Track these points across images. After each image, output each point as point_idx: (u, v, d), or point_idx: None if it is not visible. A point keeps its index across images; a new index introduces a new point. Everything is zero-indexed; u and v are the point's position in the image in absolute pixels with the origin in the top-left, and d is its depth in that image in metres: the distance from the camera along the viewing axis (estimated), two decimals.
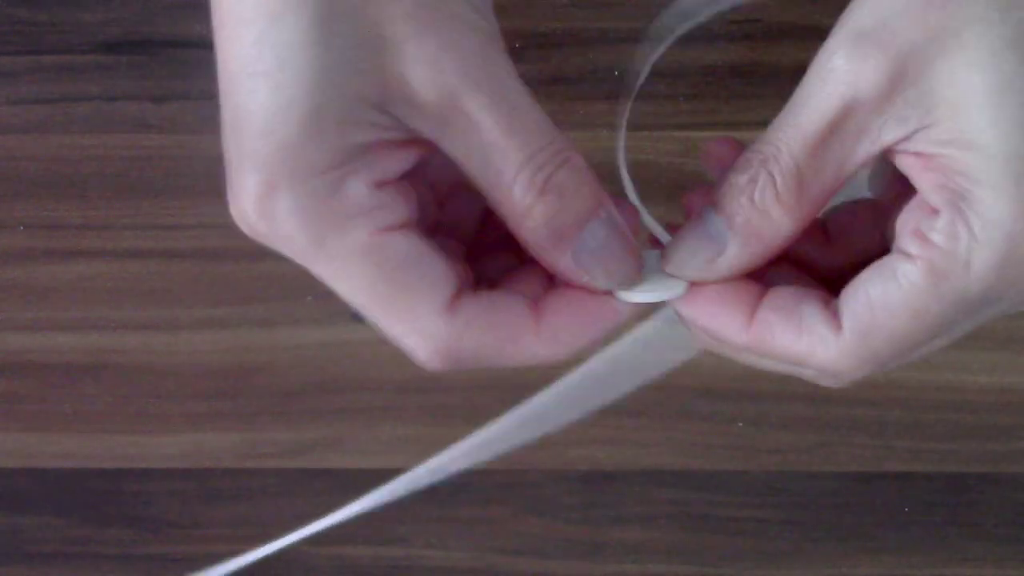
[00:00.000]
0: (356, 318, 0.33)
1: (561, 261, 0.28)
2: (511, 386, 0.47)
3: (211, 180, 0.48)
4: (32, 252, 0.47)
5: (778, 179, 0.28)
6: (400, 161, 0.27)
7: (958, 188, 0.26)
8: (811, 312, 0.28)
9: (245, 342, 0.47)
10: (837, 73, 0.27)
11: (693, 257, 0.29)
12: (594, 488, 0.47)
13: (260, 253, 0.47)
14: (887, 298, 0.27)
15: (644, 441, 0.46)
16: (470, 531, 0.47)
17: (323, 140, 0.26)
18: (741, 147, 0.30)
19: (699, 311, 0.30)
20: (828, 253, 0.31)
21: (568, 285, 0.29)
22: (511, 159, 0.27)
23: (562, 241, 0.28)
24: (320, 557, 0.47)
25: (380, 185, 0.27)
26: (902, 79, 0.26)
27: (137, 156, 0.47)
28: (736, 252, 0.29)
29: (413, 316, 0.28)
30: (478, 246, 0.32)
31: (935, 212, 0.27)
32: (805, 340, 0.28)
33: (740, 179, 0.28)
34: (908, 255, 0.27)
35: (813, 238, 0.31)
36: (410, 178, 0.29)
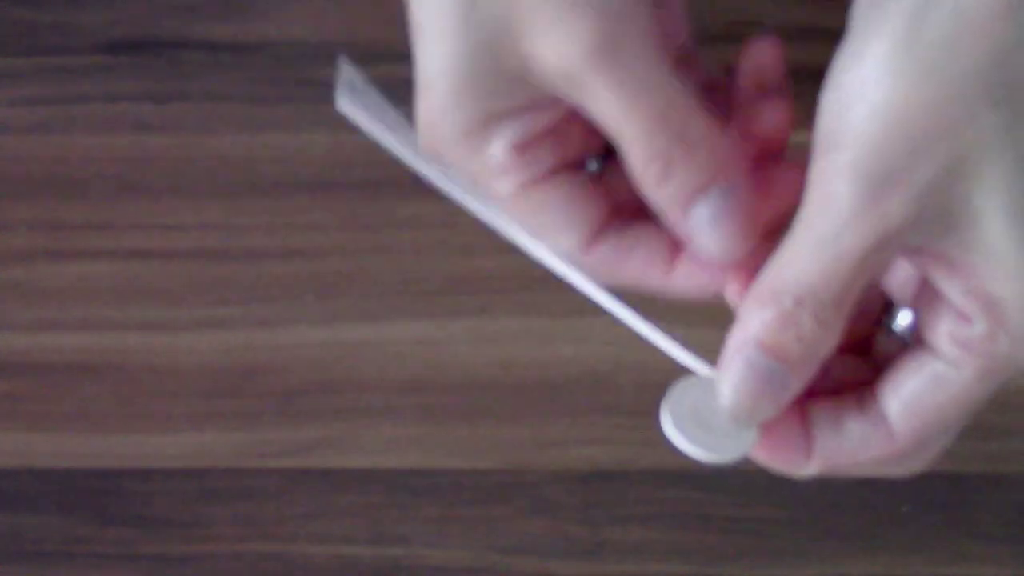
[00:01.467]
0: None
1: (676, 227, 0.31)
2: (511, 386, 0.47)
3: (212, 180, 0.49)
4: (33, 252, 0.47)
5: (823, 316, 0.29)
6: (546, 117, 0.31)
7: (989, 294, 0.28)
8: (855, 426, 0.31)
9: (245, 342, 0.47)
10: (861, 220, 0.27)
11: (759, 403, 0.30)
12: (594, 488, 0.47)
13: (261, 253, 0.48)
14: (935, 399, 0.30)
15: (644, 441, 0.46)
16: (470, 531, 0.47)
17: (466, 107, 0.30)
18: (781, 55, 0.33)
19: (769, 457, 0.32)
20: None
21: None
22: (626, 132, 0.30)
23: (671, 210, 0.31)
24: (320, 557, 0.47)
25: (525, 143, 0.31)
26: (923, 209, 0.27)
27: (138, 157, 0.47)
28: (797, 384, 0.30)
29: (555, 247, 0.32)
30: None
31: (967, 318, 0.28)
32: (863, 455, 0.31)
33: (778, 318, 0.29)
34: (955, 364, 0.29)
35: None
36: (565, 122, 0.31)
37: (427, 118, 0.31)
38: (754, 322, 0.29)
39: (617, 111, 0.29)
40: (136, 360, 0.47)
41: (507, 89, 0.30)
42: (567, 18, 0.29)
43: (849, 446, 0.31)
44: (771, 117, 0.32)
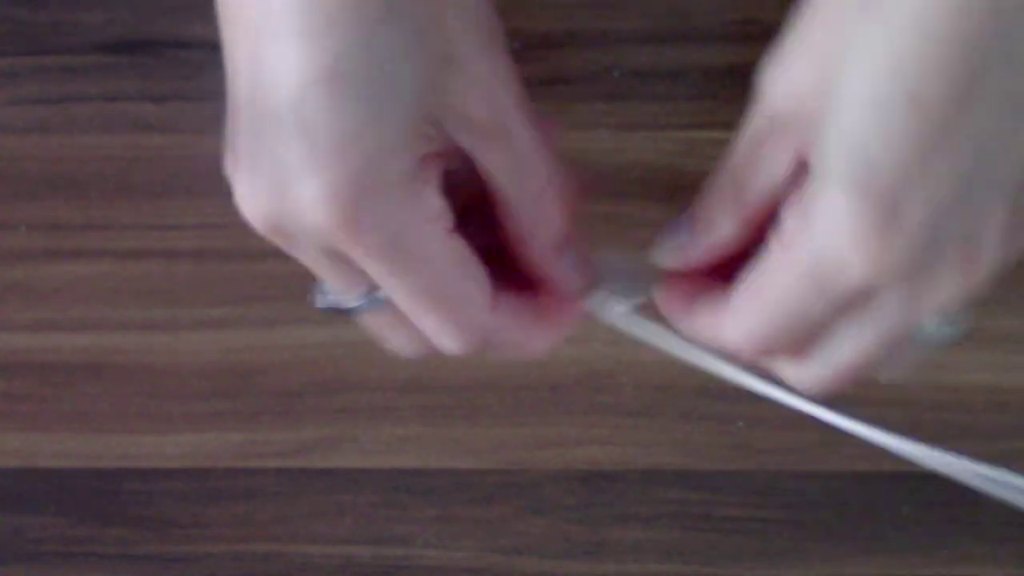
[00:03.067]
0: (331, 311, 0.35)
1: (558, 266, 0.33)
2: (511, 386, 0.47)
3: (212, 180, 0.48)
4: (33, 252, 0.47)
5: (722, 182, 0.32)
6: (440, 171, 0.30)
7: (807, 188, 0.29)
8: (717, 296, 0.33)
9: (245, 342, 0.47)
10: (761, 93, 0.31)
11: (664, 247, 0.34)
12: (594, 488, 0.47)
13: (261, 253, 0.48)
14: (753, 279, 0.31)
15: (644, 441, 0.46)
16: (470, 531, 0.47)
17: (404, 153, 0.29)
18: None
19: (661, 300, 0.35)
20: None
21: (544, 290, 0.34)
22: (541, 172, 0.31)
23: (565, 246, 0.33)
24: (320, 557, 0.47)
25: (442, 190, 0.30)
26: (795, 99, 0.29)
27: (138, 156, 0.47)
28: (689, 242, 0.33)
29: (466, 308, 0.32)
30: None
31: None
32: (711, 322, 0.33)
33: (704, 186, 0.33)
34: (768, 247, 0.31)
35: None
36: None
37: (359, 165, 0.28)
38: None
39: (532, 152, 0.30)
40: (136, 360, 0.47)
41: (431, 134, 0.29)
42: (492, 59, 0.29)
43: (706, 312, 0.33)
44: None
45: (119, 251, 0.47)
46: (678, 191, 0.45)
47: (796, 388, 0.35)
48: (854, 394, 0.46)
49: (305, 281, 0.48)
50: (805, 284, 0.29)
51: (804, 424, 0.46)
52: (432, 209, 0.30)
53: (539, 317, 0.34)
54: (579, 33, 0.46)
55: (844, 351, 0.32)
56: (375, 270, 0.30)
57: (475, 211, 0.32)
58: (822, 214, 0.28)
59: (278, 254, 0.48)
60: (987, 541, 0.46)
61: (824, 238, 0.28)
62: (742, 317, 0.32)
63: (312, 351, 0.47)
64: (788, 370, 0.34)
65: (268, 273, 0.47)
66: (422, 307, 0.31)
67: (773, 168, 0.31)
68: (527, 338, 0.34)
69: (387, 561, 0.47)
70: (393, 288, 0.31)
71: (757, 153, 0.31)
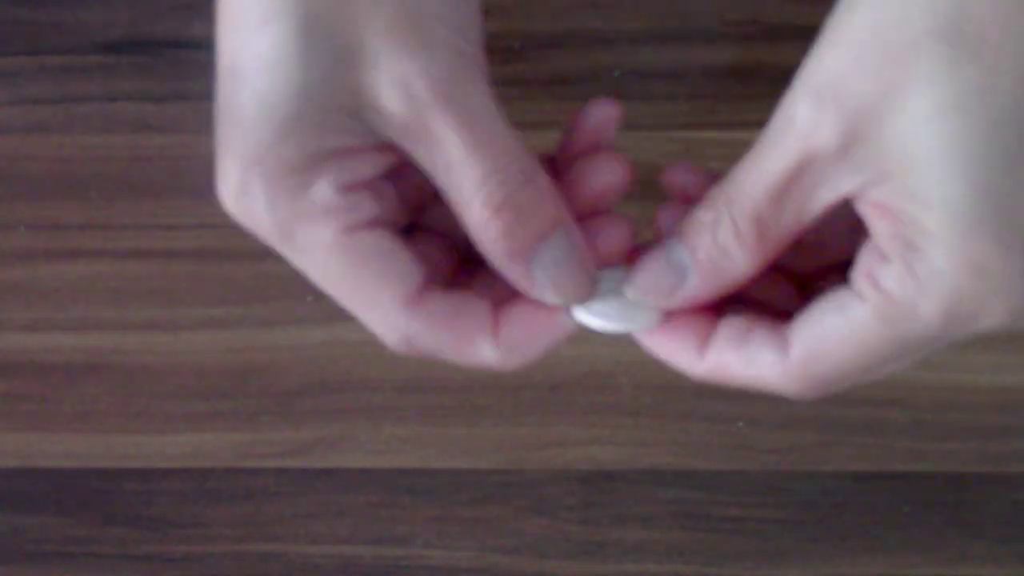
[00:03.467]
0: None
1: (515, 275, 0.30)
2: (511, 386, 0.47)
3: (212, 180, 0.48)
4: (33, 252, 0.47)
5: (740, 222, 0.29)
6: (372, 164, 0.29)
7: (908, 239, 0.27)
8: (759, 339, 0.30)
9: (245, 342, 0.47)
10: (797, 127, 0.28)
11: (657, 285, 0.31)
12: (594, 488, 0.47)
13: (260, 253, 0.47)
14: (836, 331, 0.29)
15: (644, 441, 0.46)
16: (470, 531, 0.47)
17: (295, 143, 0.28)
18: (701, 172, 0.33)
19: (658, 346, 0.32)
20: (798, 258, 0.33)
21: (525, 297, 0.31)
22: (471, 176, 0.29)
23: (517, 256, 0.30)
24: (320, 557, 0.47)
25: (350, 186, 0.29)
26: (856, 134, 0.27)
27: (138, 156, 0.47)
28: (696, 285, 0.30)
29: (376, 307, 0.30)
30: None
31: (886, 259, 0.28)
32: (756, 371, 0.30)
33: (705, 216, 0.30)
34: (860, 296, 0.29)
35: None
36: (395, 178, 0.30)
37: (246, 153, 0.28)
38: (690, 217, 0.30)
39: (461, 154, 0.28)
40: (136, 360, 0.47)
41: (340, 128, 0.28)
42: (414, 55, 0.28)
43: (746, 360, 0.30)
44: (605, 175, 0.32)
45: (119, 251, 0.47)
46: None
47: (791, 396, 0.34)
48: (854, 394, 0.47)
49: (305, 281, 0.48)
50: (915, 334, 0.28)
51: (804, 424, 0.47)
52: (325, 202, 0.28)
53: (491, 328, 0.31)
54: (579, 33, 0.46)
55: (878, 375, 0.31)
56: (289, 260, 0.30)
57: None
58: (954, 264, 0.27)
59: (278, 254, 0.48)
60: (987, 541, 0.46)
61: (960, 290, 0.27)
62: (812, 368, 0.29)
63: (312, 351, 0.47)
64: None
65: (268, 273, 0.47)
66: (336, 299, 0.30)
67: (811, 206, 0.29)
68: (468, 348, 0.31)
69: (387, 561, 0.47)
70: (313, 280, 0.30)
71: (791, 189, 0.28)
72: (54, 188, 0.47)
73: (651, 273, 0.31)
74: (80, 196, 0.47)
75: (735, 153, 0.47)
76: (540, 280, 0.30)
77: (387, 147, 0.29)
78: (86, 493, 0.47)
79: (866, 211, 0.29)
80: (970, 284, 0.27)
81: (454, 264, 0.33)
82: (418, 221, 0.33)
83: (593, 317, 0.31)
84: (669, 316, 0.31)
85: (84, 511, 0.47)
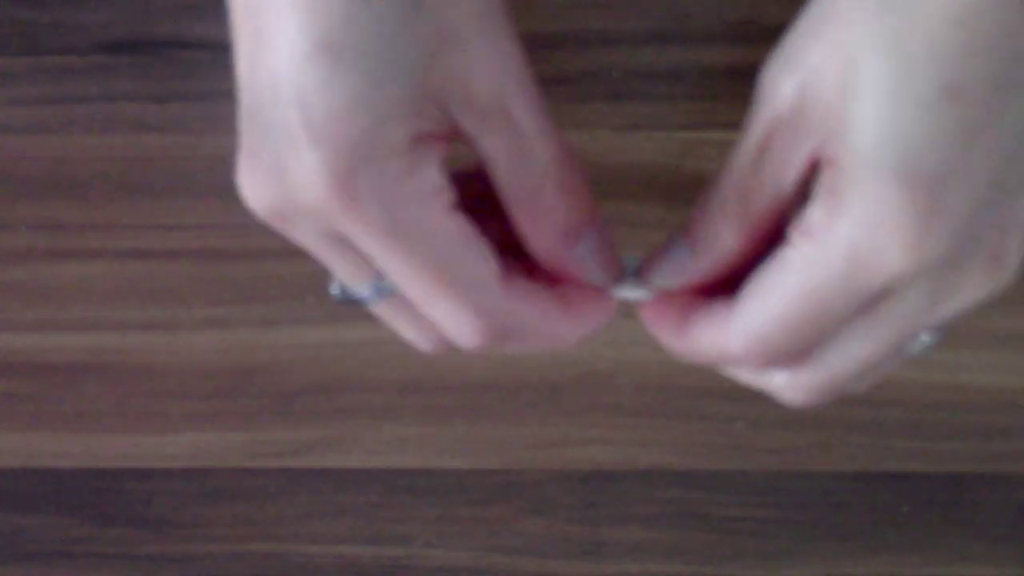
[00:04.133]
0: (346, 302, 0.34)
1: (569, 256, 0.32)
2: (511, 386, 0.47)
3: (212, 180, 0.49)
4: (33, 252, 0.47)
5: (723, 194, 0.31)
6: (443, 152, 0.30)
7: (834, 182, 0.28)
8: (718, 307, 0.31)
9: (245, 342, 0.47)
10: (763, 97, 0.30)
11: (655, 263, 0.33)
12: (594, 488, 0.47)
13: (261, 253, 0.48)
14: (768, 279, 0.30)
15: (644, 441, 0.46)
16: (470, 531, 0.47)
17: (402, 124, 0.28)
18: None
19: (648, 320, 0.34)
20: None
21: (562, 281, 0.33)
22: (542, 159, 0.30)
23: (573, 238, 0.31)
24: (320, 557, 0.47)
25: (443, 168, 0.30)
26: (807, 95, 0.28)
27: (138, 157, 0.47)
28: (687, 258, 0.32)
29: (476, 289, 0.30)
30: None
31: (814, 205, 0.29)
32: (712, 335, 0.31)
33: (700, 200, 0.32)
34: (791, 244, 0.29)
35: None
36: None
37: (353, 137, 0.28)
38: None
39: (536, 135, 0.30)
40: (136, 360, 0.47)
41: (427, 112, 0.29)
42: (502, 41, 0.29)
43: (705, 325, 0.32)
44: None
45: (119, 251, 0.47)
46: (678, 191, 0.45)
47: (783, 398, 0.33)
48: (854, 394, 0.47)
49: (305, 281, 0.48)
50: (832, 278, 0.28)
51: (804, 424, 0.47)
52: (430, 184, 0.29)
53: (561, 305, 0.32)
54: (579, 33, 0.46)
55: (848, 355, 0.31)
56: (377, 251, 0.30)
57: (491, 201, 0.32)
58: (858, 205, 0.27)
59: (278, 254, 0.48)
60: (987, 541, 0.46)
61: (861, 228, 0.27)
62: (751, 320, 0.30)
63: (312, 351, 0.47)
64: (779, 378, 0.33)
65: (268, 273, 0.47)
66: (428, 289, 0.30)
67: (784, 173, 0.30)
68: (548, 325, 0.32)
69: (387, 561, 0.47)
70: (397, 271, 0.30)
71: (764, 158, 0.30)
72: (54, 188, 0.47)
73: (667, 257, 0.32)
74: (80, 196, 0.47)
75: None
76: (587, 261, 0.32)
77: (452, 136, 0.30)
78: (86, 493, 0.47)
79: (825, 173, 0.29)
80: (869, 219, 0.27)
81: None
82: None
83: (618, 291, 0.33)
84: (667, 296, 0.33)
85: (84, 511, 0.47)
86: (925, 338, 0.32)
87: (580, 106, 0.46)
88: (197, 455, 0.47)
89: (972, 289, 0.29)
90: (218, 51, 0.48)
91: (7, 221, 0.48)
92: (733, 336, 0.31)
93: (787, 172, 0.29)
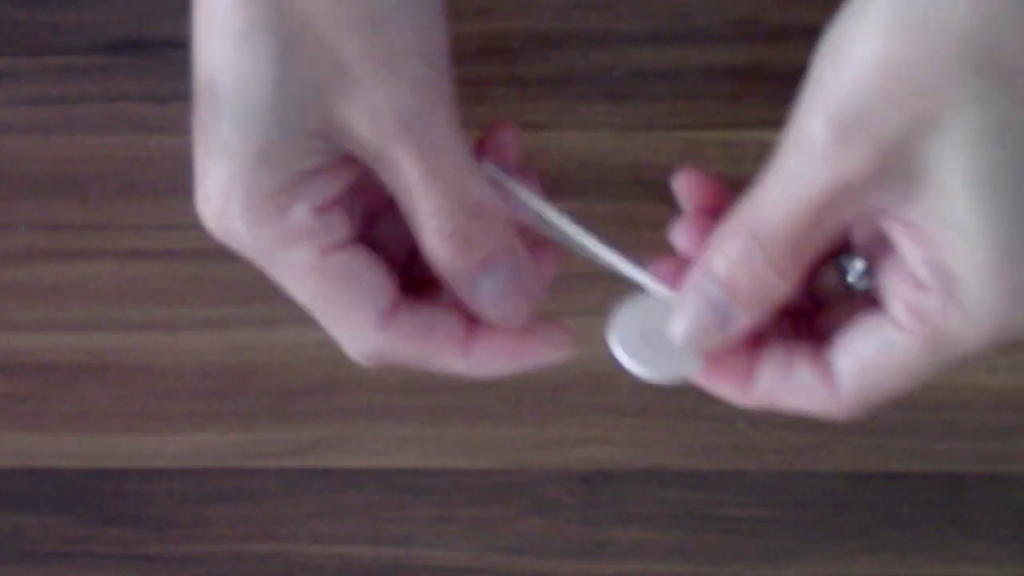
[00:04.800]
0: None
1: (462, 295, 0.32)
2: (511, 386, 0.47)
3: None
4: (33, 252, 0.47)
5: (775, 254, 0.29)
6: (341, 180, 0.30)
7: (947, 268, 0.28)
8: (804, 373, 0.31)
9: (245, 342, 0.47)
10: (825, 157, 0.28)
11: (705, 330, 0.31)
12: (594, 488, 0.47)
13: None
14: (883, 362, 0.30)
15: (644, 441, 0.46)
16: (470, 531, 0.47)
17: (272, 169, 0.29)
18: (711, 180, 0.33)
19: (706, 384, 0.33)
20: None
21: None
22: (425, 204, 0.30)
23: (462, 280, 0.31)
24: (320, 557, 0.47)
25: (324, 207, 0.30)
26: (888, 162, 0.27)
27: (139, 157, 0.47)
28: (745, 321, 0.31)
29: (350, 326, 0.31)
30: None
31: (924, 288, 0.29)
32: (805, 401, 0.31)
33: (733, 251, 0.30)
34: (903, 329, 0.29)
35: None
36: (350, 191, 0.31)
37: (219, 184, 0.29)
38: (716, 254, 0.30)
39: (419, 183, 0.30)
40: (136, 360, 0.47)
41: (313, 148, 0.29)
42: (385, 86, 0.29)
43: (794, 391, 0.31)
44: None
45: (119, 251, 0.47)
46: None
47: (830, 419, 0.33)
48: None
49: None
50: (937, 363, 0.29)
51: (804, 424, 0.47)
52: (301, 227, 0.29)
53: (473, 340, 0.32)
54: (579, 33, 0.46)
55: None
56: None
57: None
58: (976, 309, 0.28)
59: None
60: (987, 541, 0.46)
61: (977, 332, 0.28)
62: (860, 395, 0.30)
63: (312, 351, 0.47)
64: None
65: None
66: (312, 314, 0.32)
67: (841, 224, 0.29)
68: (441, 361, 0.32)
69: (387, 561, 0.47)
70: (292, 296, 0.31)
71: (825, 217, 0.29)
72: (54, 188, 0.47)
73: (694, 320, 0.31)
74: (80, 196, 0.47)
75: (735, 153, 0.47)
76: (483, 302, 0.31)
77: (351, 160, 0.30)
78: (86, 493, 0.47)
79: (892, 227, 0.29)
80: (1014, 308, 0.27)
81: (412, 269, 0.34)
82: (374, 228, 0.33)
83: (639, 366, 0.32)
84: (710, 356, 0.32)
85: (84, 511, 0.47)
86: None
87: (580, 106, 0.46)
88: (197, 455, 0.47)
89: None
90: None
91: (7, 221, 0.48)
92: (837, 408, 0.31)
93: (843, 224, 0.29)
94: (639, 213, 0.45)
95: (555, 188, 0.47)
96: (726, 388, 0.32)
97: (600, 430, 0.46)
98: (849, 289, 0.32)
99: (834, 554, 0.46)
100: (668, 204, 0.46)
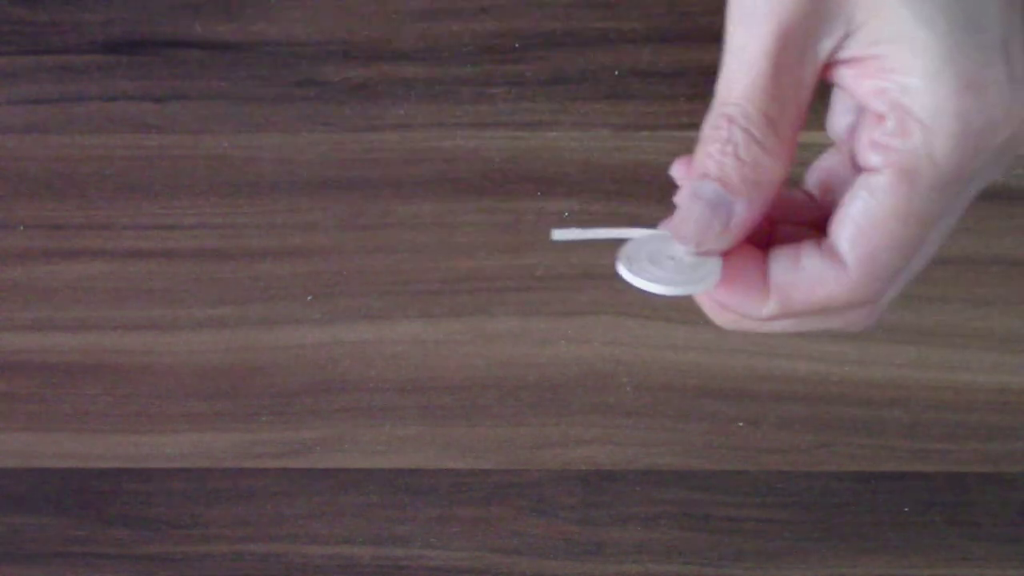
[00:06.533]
0: None
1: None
2: (511, 386, 0.47)
3: (212, 180, 0.49)
4: (32, 252, 0.47)
5: (754, 131, 0.29)
6: None
7: (896, 86, 0.27)
8: (811, 260, 0.29)
9: (245, 342, 0.47)
10: (761, 10, 0.28)
11: (709, 229, 0.30)
12: (594, 488, 0.47)
13: (261, 253, 0.48)
14: (870, 214, 0.28)
15: (644, 441, 0.46)
16: (470, 531, 0.47)
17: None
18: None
19: (725, 298, 0.31)
20: (818, 210, 0.32)
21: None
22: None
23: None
24: (319, 557, 0.47)
25: None
26: (819, 3, 0.27)
27: (137, 156, 0.47)
28: (745, 209, 0.29)
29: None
30: None
31: (882, 118, 0.28)
32: (820, 289, 0.29)
33: (715, 143, 0.29)
34: (873, 168, 0.28)
35: (802, 204, 0.33)
36: None
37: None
38: (700, 155, 0.30)
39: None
40: (136, 360, 0.47)
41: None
42: None
43: (806, 282, 0.30)
44: None
45: (119, 251, 0.47)
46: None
47: (855, 329, 0.32)
48: (855, 394, 0.47)
49: (305, 281, 0.48)
50: (935, 202, 0.28)
51: (804, 424, 0.47)
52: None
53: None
54: (579, 33, 0.46)
55: (928, 254, 0.30)
56: None
57: None
58: (947, 98, 0.27)
59: (277, 254, 0.48)
60: (987, 541, 0.46)
61: (958, 116, 0.27)
62: (869, 261, 0.29)
63: (312, 351, 0.47)
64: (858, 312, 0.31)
65: (268, 273, 0.47)
66: None
67: (804, 82, 0.28)
68: None
69: (387, 561, 0.47)
70: None
71: (782, 72, 0.28)
72: (54, 188, 0.47)
73: (696, 221, 0.30)
74: (80, 196, 0.47)
75: None
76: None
77: None
78: (86, 493, 0.47)
79: (847, 77, 0.29)
80: (972, 103, 0.26)
81: None
82: None
83: (657, 285, 0.30)
84: (727, 264, 0.31)
85: (84, 511, 0.47)
86: None
87: (580, 106, 0.46)
88: (197, 455, 0.47)
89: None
90: (217, 50, 0.48)
91: (6, 221, 0.48)
92: (851, 282, 0.29)
93: (806, 81, 0.28)
94: (639, 213, 0.45)
95: (555, 188, 0.47)
96: (744, 295, 0.30)
97: (600, 430, 0.46)
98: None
99: (834, 554, 0.46)
100: (668, 204, 0.46)
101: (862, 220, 0.29)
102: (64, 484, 0.47)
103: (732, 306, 0.31)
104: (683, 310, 0.46)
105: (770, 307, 0.30)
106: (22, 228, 0.48)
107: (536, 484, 0.47)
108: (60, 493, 0.47)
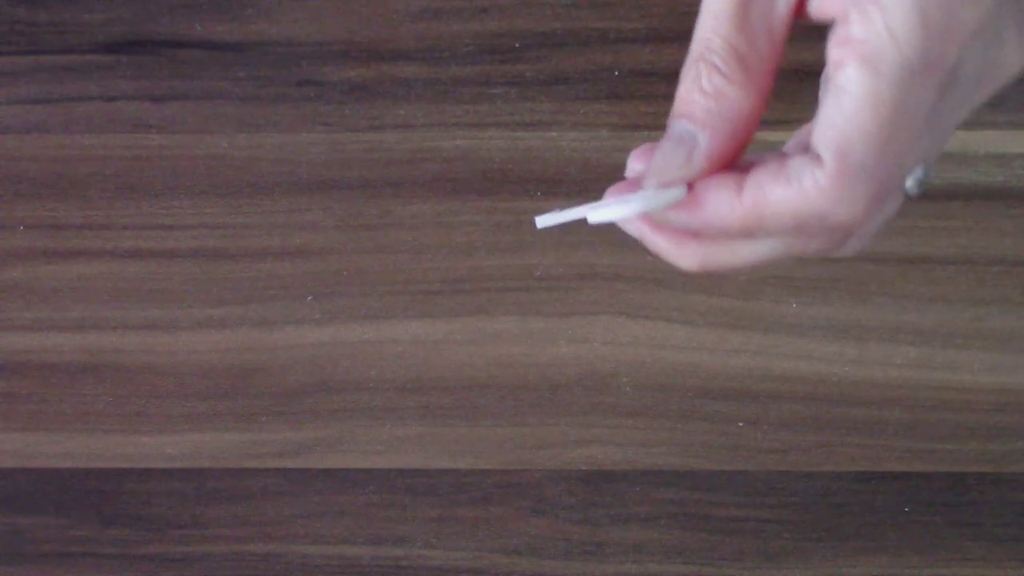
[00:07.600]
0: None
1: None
2: (511, 386, 0.47)
3: (212, 180, 0.49)
4: (32, 252, 0.47)
5: (719, 63, 0.29)
6: None
7: None
8: (794, 162, 0.29)
9: (245, 342, 0.47)
10: None
11: (671, 160, 0.29)
12: (594, 488, 0.47)
13: (261, 253, 0.48)
14: (842, 109, 0.28)
15: (644, 441, 0.46)
16: (470, 531, 0.47)
17: None
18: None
19: (695, 214, 0.30)
20: None
21: None
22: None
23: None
24: (319, 557, 0.47)
25: None
26: None
27: (137, 156, 0.47)
28: (708, 140, 0.29)
29: None
30: None
31: (847, 18, 0.27)
32: (795, 187, 0.28)
33: (685, 83, 0.29)
34: (839, 65, 0.27)
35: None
36: None
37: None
38: (675, 101, 0.29)
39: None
40: (136, 360, 0.47)
41: None
42: None
43: (783, 184, 0.29)
44: None
45: (119, 251, 0.47)
46: None
47: (850, 253, 0.31)
48: (855, 394, 0.47)
49: (305, 281, 0.48)
50: (906, 90, 0.27)
51: (804, 424, 0.47)
52: None
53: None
54: (579, 33, 0.46)
55: (918, 158, 0.29)
56: None
57: None
58: None
59: (277, 254, 0.48)
60: (988, 541, 0.46)
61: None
62: (847, 157, 0.28)
63: (312, 351, 0.47)
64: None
65: (268, 273, 0.47)
66: None
67: (777, 14, 0.28)
68: None
69: (387, 561, 0.47)
70: None
71: (751, 6, 0.28)
72: (53, 188, 0.47)
73: (661, 153, 0.29)
74: (80, 196, 0.47)
75: None
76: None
77: None
78: (86, 493, 0.47)
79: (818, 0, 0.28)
80: None
81: None
82: None
83: (620, 206, 0.29)
84: (697, 184, 0.30)
85: (84, 511, 0.47)
86: (918, 171, 0.30)
87: (580, 106, 0.46)
88: (196, 455, 0.47)
89: (1012, 55, 0.28)
90: (217, 50, 0.48)
91: (6, 221, 0.48)
92: (832, 184, 0.28)
93: (778, 13, 0.28)
94: None
95: (555, 188, 0.47)
96: (714, 198, 0.29)
97: (600, 430, 0.46)
98: (908, 197, 0.31)
99: (834, 554, 0.46)
100: None
101: (834, 115, 0.28)
102: (64, 484, 0.47)
103: (701, 218, 0.30)
104: (683, 310, 0.46)
105: (741, 210, 0.29)
106: (22, 228, 0.48)
107: (536, 484, 0.47)
108: (60, 493, 0.47)
